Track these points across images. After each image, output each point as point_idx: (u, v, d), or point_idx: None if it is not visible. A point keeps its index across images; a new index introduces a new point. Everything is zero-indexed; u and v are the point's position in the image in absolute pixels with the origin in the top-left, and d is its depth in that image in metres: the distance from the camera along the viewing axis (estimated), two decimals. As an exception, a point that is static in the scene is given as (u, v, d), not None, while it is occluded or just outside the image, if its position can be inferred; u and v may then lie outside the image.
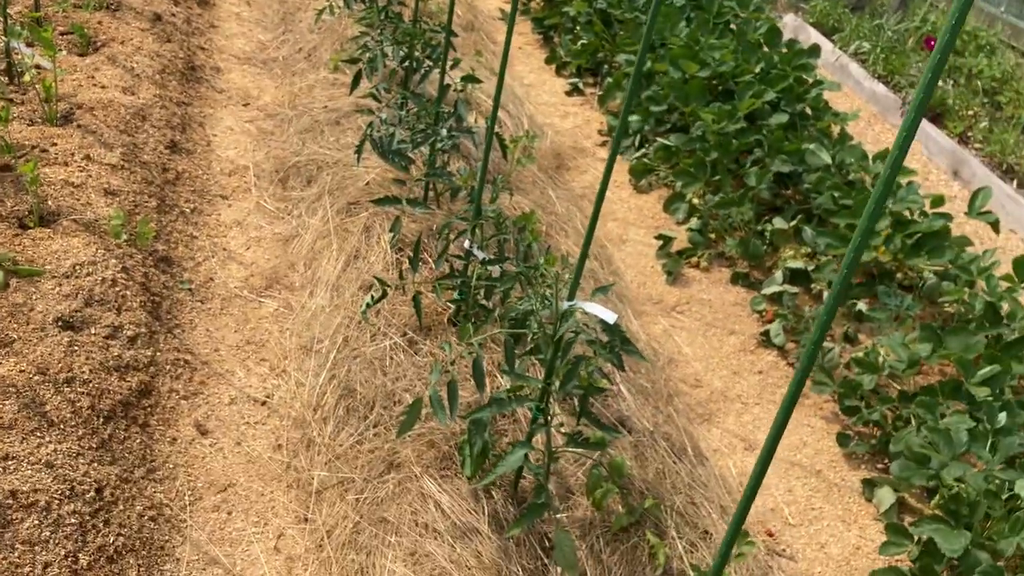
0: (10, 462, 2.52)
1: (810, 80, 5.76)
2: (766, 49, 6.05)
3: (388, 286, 3.29)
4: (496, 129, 4.06)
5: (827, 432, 3.73)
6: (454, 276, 3.28)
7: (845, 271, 1.49)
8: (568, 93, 6.49)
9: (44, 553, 2.37)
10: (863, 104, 7.49)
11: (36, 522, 2.42)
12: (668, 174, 5.29)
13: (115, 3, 5.47)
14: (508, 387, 2.70)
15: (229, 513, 2.86)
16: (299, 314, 3.70)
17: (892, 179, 1.42)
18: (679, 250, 4.72)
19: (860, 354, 3.79)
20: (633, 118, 5.67)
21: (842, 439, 3.64)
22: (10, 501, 2.42)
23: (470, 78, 4.36)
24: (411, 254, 3.35)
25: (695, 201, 4.97)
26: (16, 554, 2.32)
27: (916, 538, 3.07)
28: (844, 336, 4.16)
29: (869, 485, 3.44)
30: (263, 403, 3.29)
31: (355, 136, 4.53)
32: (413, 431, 2.92)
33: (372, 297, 3.34)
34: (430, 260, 3.69)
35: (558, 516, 2.69)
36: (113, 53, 4.89)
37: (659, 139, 5.41)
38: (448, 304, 3.42)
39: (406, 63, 4.63)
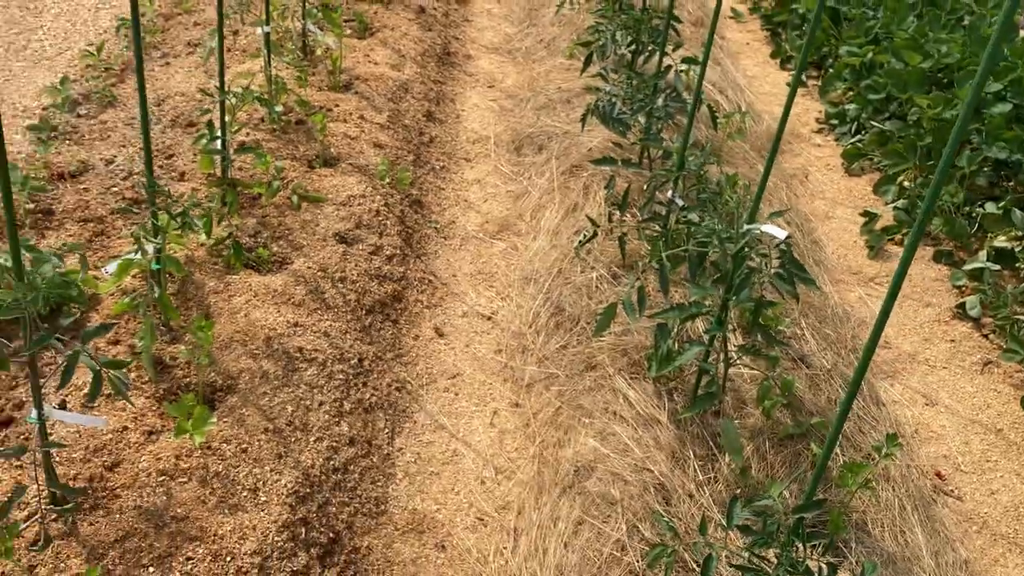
0: (298, 328, 3.27)
1: (1044, 74, 5.69)
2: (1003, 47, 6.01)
3: (598, 227, 3.81)
4: (711, 107, 4.49)
5: (1013, 397, 3.85)
6: (656, 219, 3.75)
7: None
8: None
9: (319, 395, 3.09)
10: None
11: (315, 372, 3.15)
12: (880, 159, 5.46)
13: (388, -2, 6.38)
14: (693, 299, 3.12)
15: (456, 394, 3.49)
16: (522, 253, 4.31)
17: None
18: (883, 227, 4.91)
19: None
20: (850, 106, 5.86)
21: (1027, 403, 3.75)
22: (298, 355, 3.16)
23: (689, 60, 4.80)
24: (618, 205, 3.86)
25: (905, 183, 5.12)
26: (301, 391, 3.05)
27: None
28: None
29: (1050, 445, 3.55)
30: (488, 318, 3.91)
31: (582, 112, 5.09)
32: (608, 341, 3.42)
33: (584, 235, 3.87)
34: (637, 213, 4.18)
35: (730, 420, 3.09)
36: (385, 37, 5.76)
37: (875, 124, 5.59)
38: (649, 247, 3.88)
39: (632, 47, 5.15)
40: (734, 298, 2.86)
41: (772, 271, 2.88)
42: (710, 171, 4.62)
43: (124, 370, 2.41)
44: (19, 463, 2.62)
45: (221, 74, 3.62)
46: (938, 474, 3.47)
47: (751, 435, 3.09)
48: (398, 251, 4.03)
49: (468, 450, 3.24)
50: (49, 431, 2.58)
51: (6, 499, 2.23)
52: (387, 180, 4.36)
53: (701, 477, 2.89)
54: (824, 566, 2.20)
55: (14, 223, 2.08)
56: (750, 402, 3.22)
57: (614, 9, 5.89)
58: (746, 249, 2.79)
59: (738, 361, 3.23)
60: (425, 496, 3.03)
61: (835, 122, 6.05)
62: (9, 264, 3.08)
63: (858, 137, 5.76)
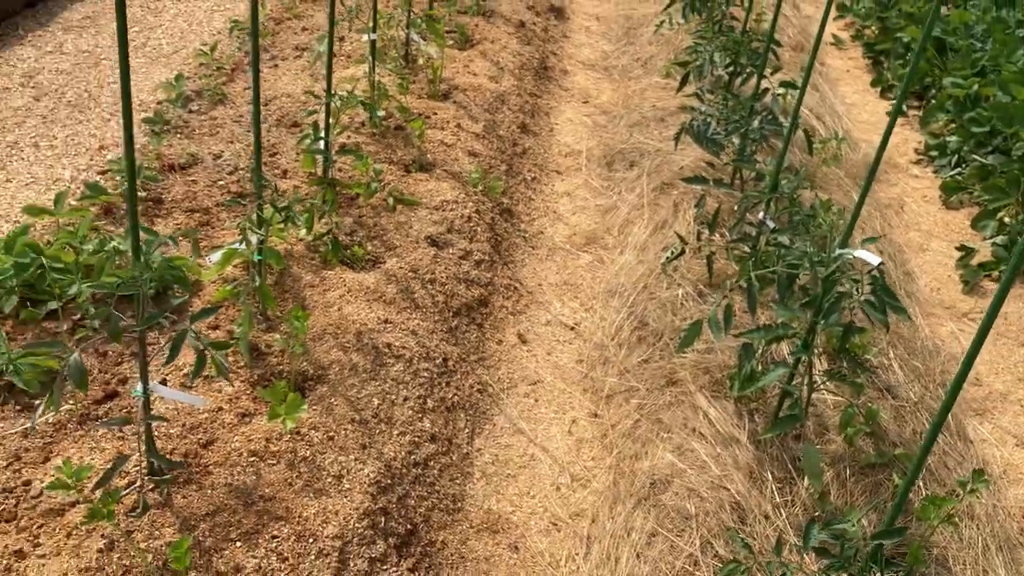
0: (388, 325, 3.37)
1: None
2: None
3: (686, 244, 3.83)
4: (807, 132, 4.46)
5: (1111, 445, 3.71)
6: (745, 240, 3.74)
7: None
8: (890, 114, 6.62)
9: (404, 391, 3.18)
10: None
11: (401, 368, 3.24)
12: (981, 193, 5.33)
13: (489, 11, 6.50)
14: (780, 320, 3.11)
15: (536, 400, 3.53)
16: (608, 267, 4.34)
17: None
18: (980, 263, 4.79)
19: None
20: (951, 138, 5.74)
21: (1125, 451, 3.61)
22: (386, 350, 3.26)
23: (787, 84, 4.78)
24: (708, 224, 3.86)
25: (1005, 219, 4.99)
26: (387, 385, 3.14)
27: None
28: None
29: None
30: (571, 328, 3.96)
31: (676, 130, 5.10)
32: (690, 358, 3.43)
33: (672, 252, 3.89)
34: (726, 233, 4.17)
35: (811, 444, 3.06)
36: (484, 49, 5.88)
37: (976, 158, 5.46)
38: (737, 267, 3.87)
39: (730, 68, 5.14)
40: (822, 322, 2.84)
41: (863, 297, 2.85)
42: (803, 196, 4.58)
43: (225, 353, 2.53)
44: (121, 434, 2.77)
45: (329, 78, 3.76)
46: (1027, 517, 3.37)
47: (831, 461, 3.06)
48: (486, 257, 4.10)
49: (545, 456, 3.28)
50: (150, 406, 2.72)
51: (110, 466, 2.37)
52: (479, 188, 4.44)
53: (778, 499, 2.87)
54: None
55: (135, 207, 2.21)
56: (832, 428, 3.19)
57: (713, 31, 5.89)
58: (837, 273, 2.77)
59: (822, 386, 3.21)
60: (501, 497, 3.09)
61: (934, 154, 5.92)
62: (123, 247, 3.26)
63: (958, 170, 5.63)
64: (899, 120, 6.56)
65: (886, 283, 2.81)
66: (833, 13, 8.55)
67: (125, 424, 2.42)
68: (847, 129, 6.00)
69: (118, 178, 4.05)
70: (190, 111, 4.79)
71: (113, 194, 3.89)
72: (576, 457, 3.29)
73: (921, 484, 3.07)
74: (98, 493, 2.45)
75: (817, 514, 2.86)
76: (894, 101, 6.77)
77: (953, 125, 5.98)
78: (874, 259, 2.74)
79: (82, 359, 2.24)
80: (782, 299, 2.94)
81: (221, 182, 4.14)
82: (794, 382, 3.02)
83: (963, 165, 5.63)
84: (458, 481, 3.09)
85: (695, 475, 2.94)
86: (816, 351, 3.01)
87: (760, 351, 3.19)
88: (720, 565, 2.62)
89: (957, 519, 3.01)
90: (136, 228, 2.22)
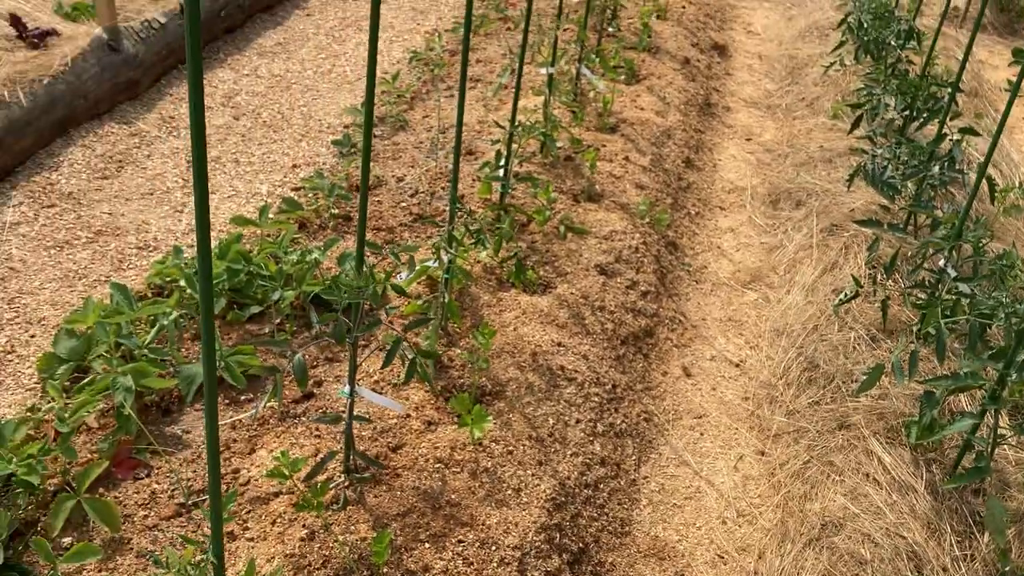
0: (561, 348, 3.48)
1: None
2: None
3: (861, 286, 3.80)
4: (990, 179, 4.35)
5: None
6: (923, 286, 3.68)
7: None
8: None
9: (576, 413, 3.28)
10: None
11: (573, 391, 3.34)
12: None
13: (655, 47, 6.61)
14: (966, 371, 3.05)
15: (701, 434, 3.57)
16: (775, 306, 4.34)
17: None
18: None
19: None
20: None
21: None
22: (560, 372, 3.37)
23: (968, 130, 4.67)
24: (885, 268, 3.82)
25: None
26: (560, 406, 3.25)
27: None
28: None
29: None
30: (736, 365, 3.97)
31: (845, 172, 5.06)
32: (864, 403, 3.39)
33: (845, 294, 3.86)
34: (901, 279, 4.10)
35: (995, 499, 2.98)
36: (651, 84, 5.98)
37: None
38: (913, 315, 3.81)
39: (905, 112, 5.06)
40: (1014, 375, 2.78)
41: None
42: (987, 246, 4.46)
43: (425, 362, 2.70)
44: (317, 433, 2.97)
45: (514, 110, 3.93)
46: None
47: (1013, 518, 2.97)
48: (652, 288, 4.18)
49: (711, 489, 3.31)
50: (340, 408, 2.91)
51: (319, 460, 2.56)
52: (646, 220, 4.53)
53: (957, 552, 2.81)
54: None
55: (364, 220, 2.40)
56: (1014, 485, 3.10)
57: (887, 74, 5.81)
58: (1034, 325, 2.71)
59: (1005, 441, 3.12)
60: (667, 526, 3.14)
61: (1122, 208, 5.63)
62: (321, 259, 3.49)
63: None
64: (1081, 171, 6.29)
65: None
66: (1008, 58, 8.25)
67: (336, 422, 2.61)
68: (1025, 178, 5.79)
69: (310, 194, 4.33)
70: (374, 136, 5.07)
71: (307, 209, 4.17)
72: (742, 493, 3.31)
73: (1112, 551, 2.94)
74: (301, 486, 2.65)
75: (998, 572, 2.79)
76: (1077, 151, 6.49)
77: None
78: (1076, 313, 2.67)
79: (304, 359, 2.44)
80: (972, 348, 2.90)
81: (403, 203, 4.37)
82: (977, 434, 2.96)
83: None
84: (626, 506, 3.16)
85: (869, 520, 2.92)
86: (1004, 405, 2.94)
87: (941, 401, 3.13)
88: (897, 613, 2.59)
89: None
90: (362, 244, 2.41)
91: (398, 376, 3.18)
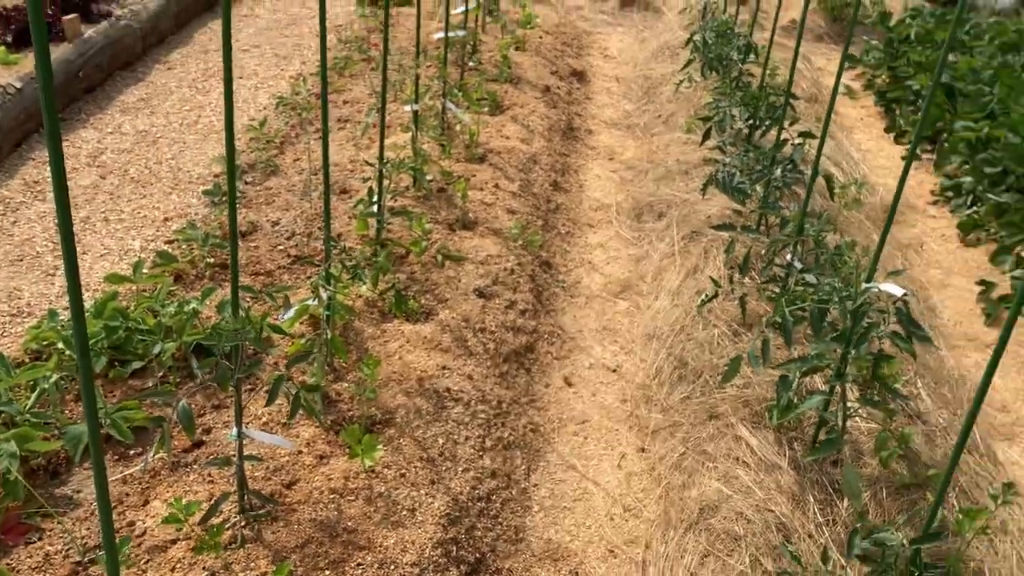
0: (446, 371, 3.62)
1: None
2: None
3: (720, 287, 4.08)
4: (828, 178, 4.72)
5: None
6: (775, 281, 3.98)
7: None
8: (904, 158, 6.89)
9: (465, 431, 3.42)
10: None
11: (461, 411, 3.48)
12: (997, 230, 5.56)
13: (516, 78, 6.87)
14: (813, 352, 3.32)
15: (585, 438, 3.76)
16: (645, 312, 4.59)
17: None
18: (1000, 296, 5.00)
19: None
20: (966, 179, 5.99)
21: None
22: (446, 394, 3.51)
23: (806, 134, 5.06)
24: (740, 267, 4.12)
25: (1023, 253, 5.21)
26: (449, 426, 3.39)
27: None
28: None
29: None
30: (613, 371, 4.19)
31: (700, 182, 5.38)
32: (730, 393, 3.65)
33: (706, 295, 4.13)
34: (756, 276, 4.41)
35: (850, 467, 3.26)
36: (515, 114, 6.22)
37: (991, 196, 5.70)
38: (769, 308, 4.11)
39: (750, 122, 5.44)
40: (853, 352, 3.07)
41: (890, 328, 3.09)
42: (827, 238, 4.83)
43: (312, 397, 2.80)
44: (210, 479, 3.02)
45: (381, 147, 4.07)
46: (1058, 534, 3.53)
47: (868, 483, 3.26)
48: (530, 306, 4.37)
49: (598, 489, 3.50)
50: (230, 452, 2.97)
51: (213, 502, 2.62)
52: (519, 242, 4.73)
53: (820, 519, 3.07)
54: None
55: (236, 268, 2.50)
56: (867, 453, 3.39)
57: (732, 87, 6.22)
58: (865, 306, 3.01)
59: (855, 414, 3.42)
60: (559, 528, 3.30)
61: (950, 194, 6.17)
62: (200, 308, 3.54)
63: (973, 209, 5.87)
64: (914, 164, 6.83)
65: (910, 313, 3.04)
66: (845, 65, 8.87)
67: (225, 465, 2.68)
68: (864, 174, 6.26)
69: (184, 246, 4.36)
70: (246, 183, 5.13)
71: (183, 261, 4.20)
72: (627, 489, 3.51)
73: (955, 503, 3.26)
74: (197, 530, 2.70)
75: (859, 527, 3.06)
76: (907, 146, 7.05)
77: (967, 166, 6.23)
78: (898, 291, 2.98)
79: (189, 405, 2.51)
80: (815, 332, 3.18)
81: (280, 247, 4.44)
82: (829, 410, 3.23)
83: (978, 204, 5.87)
84: (519, 513, 3.31)
85: (741, 500, 3.15)
86: (848, 380, 3.23)
87: (796, 383, 3.40)
88: (770, 580, 2.82)
89: (992, 534, 3.20)
90: (236, 285, 2.50)
91: (286, 415, 3.26)
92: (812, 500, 3.15)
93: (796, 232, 3.94)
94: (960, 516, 2.94)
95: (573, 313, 4.61)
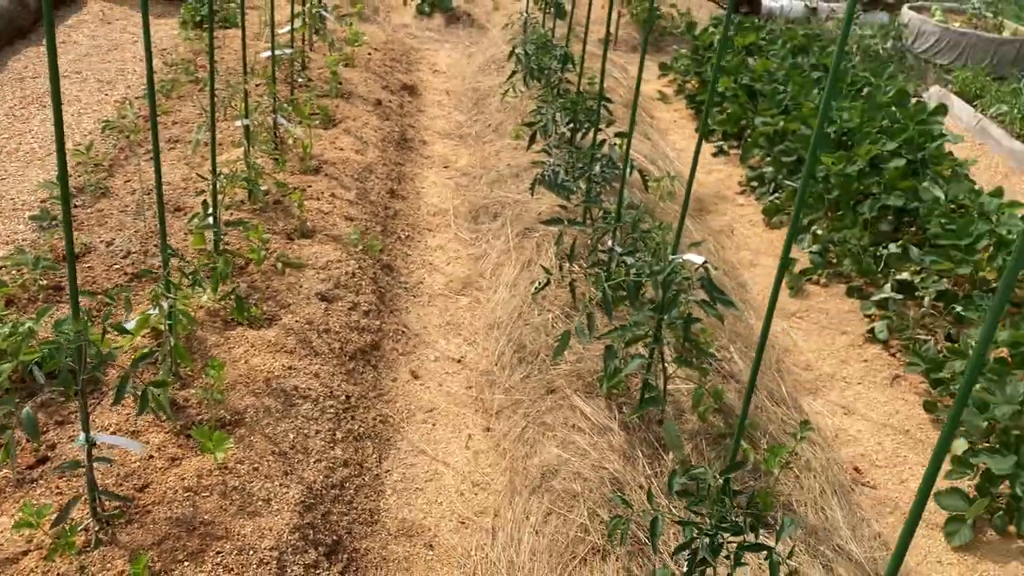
0: (293, 371, 3.73)
1: (934, 133, 6.47)
2: (894, 110, 6.82)
3: (551, 275, 4.36)
4: (642, 172, 5.11)
5: (918, 403, 4.42)
6: (599, 265, 4.31)
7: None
8: (714, 155, 7.48)
9: (315, 425, 3.54)
10: (1002, 160, 8.02)
11: (310, 407, 3.61)
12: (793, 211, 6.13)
13: (347, 93, 7.02)
14: (633, 321, 3.64)
15: (433, 425, 3.95)
16: (485, 305, 4.83)
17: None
18: (801, 270, 5.54)
19: (952, 344, 4.49)
20: (767, 169, 6.57)
21: (929, 406, 4.32)
22: (294, 392, 3.62)
23: (621, 134, 5.45)
24: (568, 256, 4.42)
25: (818, 231, 5.79)
26: (299, 422, 3.50)
27: (976, 466, 3.74)
28: (947, 336, 4.83)
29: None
30: (458, 361, 4.41)
31: (531, 183, 5.70)
32: (565, 369, 3.93)
33: (539, 283, 4.42)
34: (584, 263, 4.74)
35: (671, 422, 3.60)
36: (347, 127, 6.37)
37: (789, 183, 6.29)
38: (594, 290, 4.43)
39: (571, 125, 5.81)
40: (666, 318, 3.41)
41: (699, 298, 3.44)
42: (645, 226, 5.23)
43: (159, 395, 2.86)
44: (59, 490, 3.02)
45: (213, 160, 4.14)
46: (856, 469, 4.00)
47: (690, 436, 3.60)
48: (373, 307, 4.53)
49: (447, 469, 3.69)
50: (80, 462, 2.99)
51: (65, 505, 2.64)
52: (359, 247, 4.88)
53: (649, 471, 3.38)
54: (747, 517, 2.70)
55: (74, 272, 2.55)
56: (688, 411, 3.74)
57: (553, 95, 6.59)
58: (672, 275, 3.35)
59: (674, 375, 3.76)
60: (412, 507, 3.47)
61: (755, 183, 6.75)
62: (36, 327, 3.53)
63: (775, 195, 6.45)
64: (722, 158, 7.43)
65: (711, 278, 3.40)
66: (657, 72, 9.51)
67: (75, 468, 2.71)
68: (678, 170, 6.77)
69: (14, 271, 4.27)
70: (75, 206, 5.04)
71: (13, 285, 4.12)
72: (475, 467, 3.72)
73: (764, 448, 3.64)
74: (49, 538, 2.71)
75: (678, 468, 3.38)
76: (717, 144, 7.65)
77: (768, 158, 6.84)
78: (698, 259, 3.33)
79: (33, 413, 2.53)
80: (632, 304, 3.50)
81: (117, 266, 4.42)
82: (651, 372, 3.56)
83: (779, 191, 6.46)
84: (372, 498, 3.46)
85: (578, 461, 3.42)
86: (664, 343, 3.56)
87: (621, 352, 3.72)
88: (606, 528, 3.09)
89: (798, 472, 3.60)
90: (75, 288, 2.56)
91: (133, 424, 3.29)
92: (641, 455, 3.45)
93: (615, 220, 4.28)
94: (768, 455, 3.31)
95: (417, 312, 4.80)
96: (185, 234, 4.69)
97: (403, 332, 4.56)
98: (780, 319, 5.17)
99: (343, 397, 3.80)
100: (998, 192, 5.78)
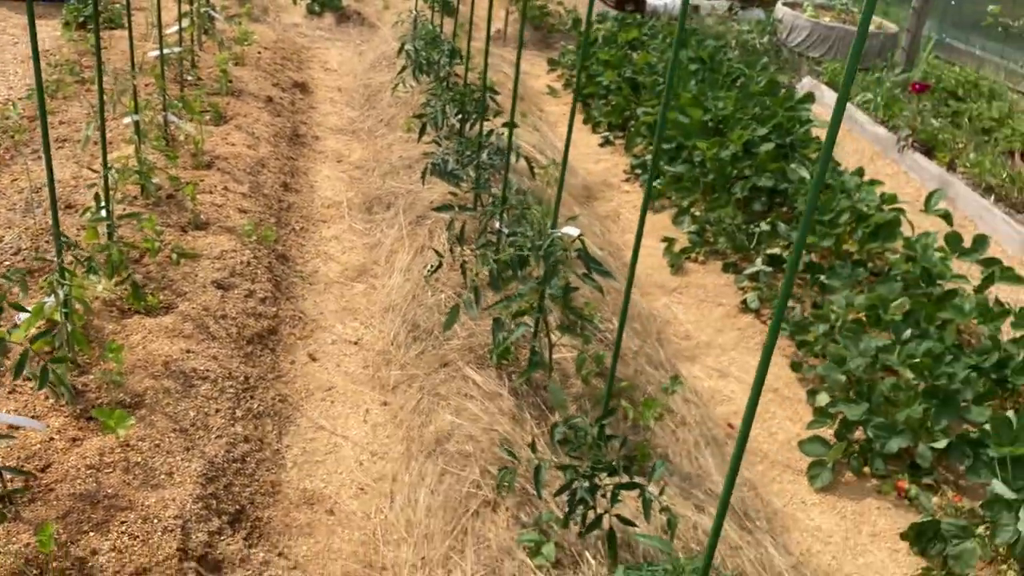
0: (191, 354, 3.83)
1: (802, 119, 6.93)
2: (765, 98, 7.26)
3: (442, 257, 4.57)
4: (528, 159, 5.36)
5: (786, 365, 4.79)
6: (488, 246, 4.53)
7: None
8: (601, 145, 7.82)
9: (215, 404, 3.66)
10: (867, 144, 8.59)
11: (209, 387, 3.72)
12: (676, 196, 6.50)
13: (238, 91, 7.07)
14: (519, 292, 3.87)
15: (332, 402, 4.10)
16: (380, 291, 5.00)
17: (827, 158, 1.71)
18: (681, 249, 5.89)
19: (817, 310, 4.88)
20: (649, 157, 6.92)
21: (795, 366, 4.70)
22: (193, 374, 3.73)
23: (507, 124, 5.70)
24: (457, 239, 4.64)
25: (695, 213, 6.15)
26: (199, 401, 3.61)
27: (835, 416, 4.11)
28: (813, 304, 5.23)
29: (812, 394, 4.48)
30: (355, 343, 4.57)
31: (425, 182, 5.89)
32: (457, 344, 4.14)
33: (431, 267, 4.61)
34: (475, 247, 4.95)
35: (556, 383, 3.84)
36: (239, 123, 6.43)
37: (669, 169, 6.65)
38: (484, 269, 4.66)
39: (460, 116, 6.02)
40: (548, 288, 3.65)
41: (580, 272, 3.69)
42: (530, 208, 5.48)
43: (61, 367, 2.95)
44: (-42, 476, 3.07)
45: (104, 155, 4.20)
46: (729, 424, 4.33)
47: (575, 398, 3.86)
48: (270, 294, 4.64)
49: (346, 442, 3.86)
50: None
51: (-34, 482, 2.72)
52: (254, 238, 4.98)
53: (536, 431, 3.61)
54: (622, 461, 2.96)
55: (-32, 252, 2.63)
56: (573, 376, 4.00)
57: (442, 88, 6.79)
58: (551, 247, 3.59)
59: (560, 343, 4.01)
60: (313, 478, 3.63)
61: (639, 171, 7.10)
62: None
63: (658, 181, 6.80)
64: (609, 148, 7.77)
65: (588, 250, 3.66)
66: (546, 67, 9.81)
67: (-26, 445, 2.77)
68: (557, 157, 7.05)
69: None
70: (-40, 205, 4.99)
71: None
72: (373, 438, 3.89)
73: (644, 407, 3.92)
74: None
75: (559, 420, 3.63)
76: (603, 135, 7.97)
77: (650, 147, 7.19)
78: (575, 231, 3.59)
79: (-69, 390, 2.60)
80: (516, 276, 3.73)
81: (7, 262, 4.42)
82: (537, 341, 3.80)
83: (660, 177, 6.81)
84: (273, 471, 3.60)
85: (470, 426, 3.63)
86: (550, 314, 3.81)
87: (509, 324, 3.94)
88: (496, 484, 3.31)
89: (674, 426, 3.90)
90: (-30, 271, 2.63)
91: (34, 409, 3.35)
92: (529, 417, 3.69)
93: (501, 203, 4.51)
94: (643, 408, 3.59)
95: (313, 299, 4.93)
96: (78, 230, 4.71)
97: (300, 318, 4.69)
98: (661, 295, 5.49)
99: (242, 378, 3.92)
100: (859, 172, 6.25)
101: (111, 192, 4.31)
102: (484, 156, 5.18)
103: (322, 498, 3.52)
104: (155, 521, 2.96)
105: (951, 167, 7.72)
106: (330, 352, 4.48)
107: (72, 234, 4.67)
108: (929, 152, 8.01)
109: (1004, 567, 3.30)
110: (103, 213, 4.26)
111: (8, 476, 2.91)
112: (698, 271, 5.77)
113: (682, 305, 5.40)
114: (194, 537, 3.00)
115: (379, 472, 3.69)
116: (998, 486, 3.36)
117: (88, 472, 3.08)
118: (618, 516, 2.91)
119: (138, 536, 2.88)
